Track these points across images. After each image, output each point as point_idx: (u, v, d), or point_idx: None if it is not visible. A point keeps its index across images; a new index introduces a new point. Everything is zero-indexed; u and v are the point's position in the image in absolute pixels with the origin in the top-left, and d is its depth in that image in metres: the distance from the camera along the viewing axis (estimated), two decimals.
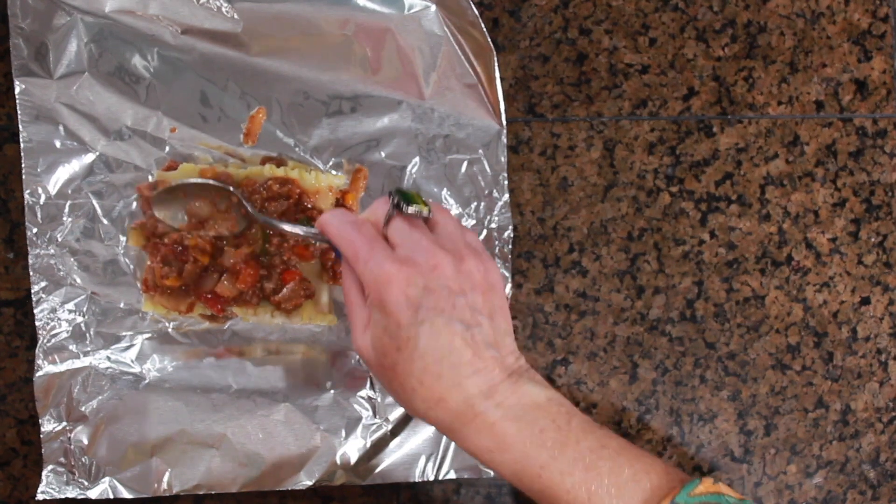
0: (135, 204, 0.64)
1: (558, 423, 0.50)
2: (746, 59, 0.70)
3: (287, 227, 0.58)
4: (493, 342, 0.50)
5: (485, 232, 0.67)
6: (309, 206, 0.63)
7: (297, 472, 0.64)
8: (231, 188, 0.61)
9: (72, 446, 0.63)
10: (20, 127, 0.63)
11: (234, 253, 0.63)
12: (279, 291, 0.64)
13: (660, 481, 0.49)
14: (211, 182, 0.62)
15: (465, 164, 0.67)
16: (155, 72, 0.64)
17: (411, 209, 0.51)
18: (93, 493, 0.63)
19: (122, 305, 0.64)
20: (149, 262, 0.64)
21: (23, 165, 0.63)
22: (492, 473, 0.65)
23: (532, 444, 0.49)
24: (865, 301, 0.70)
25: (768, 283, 0.69)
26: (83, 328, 0.64)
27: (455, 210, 0.66)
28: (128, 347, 0.64)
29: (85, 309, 0.64)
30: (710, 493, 0.49)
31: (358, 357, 0.66)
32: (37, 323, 0.63)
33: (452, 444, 0.66)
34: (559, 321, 0.68)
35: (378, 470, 0.65)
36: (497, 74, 0.66)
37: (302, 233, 0.58)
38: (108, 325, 0.64)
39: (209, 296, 0.64)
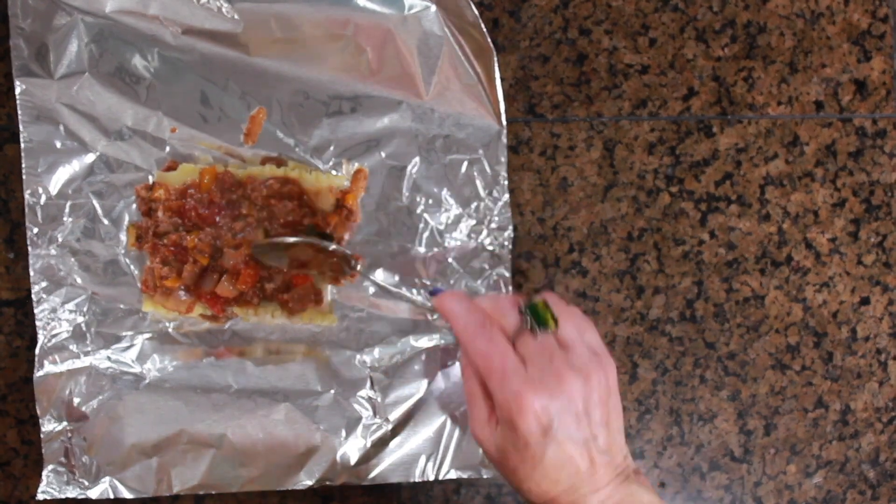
0: (135, 205, 0.64)
1: None
2: (746, 60, 0.70)
3: (399, 291, 0.61)
4: (607, 449, 0.52)
5: (485, 231, 0.67)
6: (314, 213, 0.64)
7: (297, 472, 0.64)
8: (331, 245, 0.62)
9: (72, 446, 0.63)
10: (20, 127, 0.63)
11: (234, 254, 0.63)
12: (287, 290, 0.64)
13: None
14: (310, 240, 0.62)
15: (465, 164, 0.67)
16: (155, 72, 0.64)
17: (541, 331, 0.53)
18: (93, 493, 0.63)
19: (122, 305, 0.64)
20: (148, 263, 0.64)
21: (23, 165, 0.63)
22: (491, 474, 0.65)
23: None
24: (865, 301, 0.70)
25: (768, 283, 0.70)
26: (83, 328, 0.64)
27: (455, 210, 0.67)
28: (128, 347, 0.64)
29: (85, 309, 0.64)
30: None
31: (359, 357, 0.66)
32: (37, 323, 0.63)
33: (452, 444, 0.66)
34: None
35: (378, 470, 0.65)
36: (497, 74, 0.66)
37: (418, 302, 0.60)
38: (109, 325, 0.64)
39: (209, 296, 0.64)
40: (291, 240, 0.62)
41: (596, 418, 0.52)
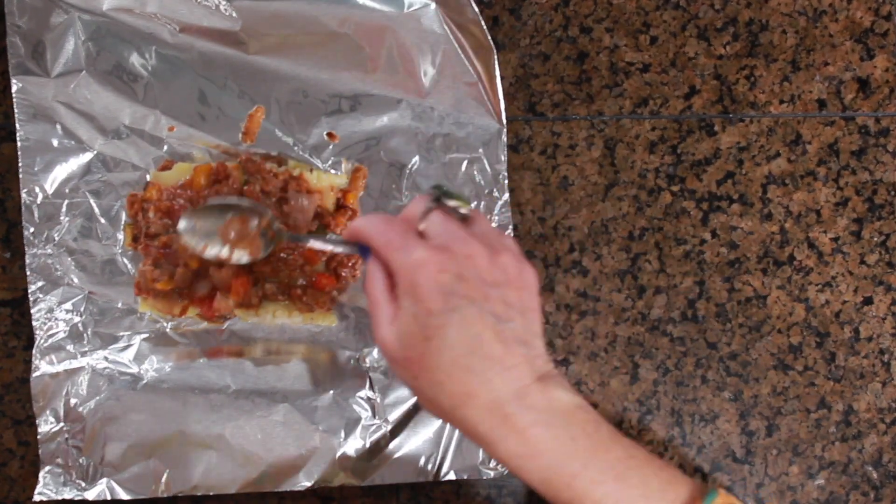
0: None
1: (588, 431, 0.49)
2: (748, 58, 0.69)
3: (316, 244, 0.57)
4: (524, 340, 0.49)
5: None
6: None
7: (296, 473, 0.64)
8: (261, 208, 0.60)
9: (69, 447, 0.63)
10: (17, 126, 0.63)
11: (219, 271, 0.62)
12: (286, 292, 0.64)
13: (683, 493, 0.50)
14: (240, 202, 0.60)
15: (465, 163, 0.66)
16: (153, 70, 0.64)
17: (451, 202, 0.50)
18: (90, 495, 0.62)
19: (119, 305, 0.64)
20: (141, 265, 0.63)
21: (20, 164, 0.63)
22: (491, 474, 0.65)
23: (564, 451, 0.48)
24: (868, 301, 0.70)
25: (770, 283, 0.69)
26: (80, 328, 0.63)
27: None
28: (125, 347, 0.64)
29: (82, 309, 0.64)
30: None
31: (357, 357, 0.65)
32: (34, 323, 0.63)
33: (452, 445, 0.65)
34: (560, 321, 0.68)
35: (377, 471, 0.65)
36: (497, 73, 0.66)
37: (330, 247, 0.56)
38: (106, 325, 0.64)
39: (202, 302, 0.63)
40: (221, 201, 0.59)
41: (509, 299, 0.48)
